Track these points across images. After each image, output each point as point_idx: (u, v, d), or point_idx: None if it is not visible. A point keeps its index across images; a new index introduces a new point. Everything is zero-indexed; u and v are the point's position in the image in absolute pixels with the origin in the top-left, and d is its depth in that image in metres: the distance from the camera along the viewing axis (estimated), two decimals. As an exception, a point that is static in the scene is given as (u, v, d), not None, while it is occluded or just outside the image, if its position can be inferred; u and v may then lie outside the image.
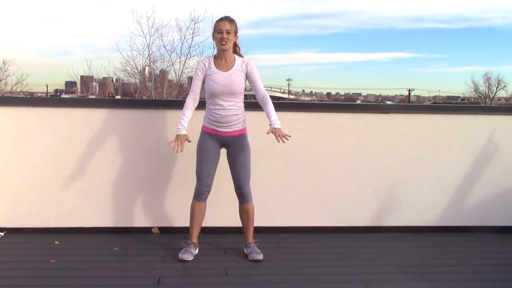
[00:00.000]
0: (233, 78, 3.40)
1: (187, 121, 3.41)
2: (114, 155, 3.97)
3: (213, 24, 3.47)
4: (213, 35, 3.48)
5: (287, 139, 3.30)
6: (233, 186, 3.52)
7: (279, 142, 3.28)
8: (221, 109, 3.40)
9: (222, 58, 3.45)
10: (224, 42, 3.38)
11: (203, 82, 3.46)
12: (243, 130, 3.50)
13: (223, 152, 3.54)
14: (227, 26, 3.39)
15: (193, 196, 3.51)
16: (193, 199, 3.51)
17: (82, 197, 3.95)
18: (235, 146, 3.47)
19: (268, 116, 3.38)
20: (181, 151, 3.33)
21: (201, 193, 3.47)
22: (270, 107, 3.39)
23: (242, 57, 3.55)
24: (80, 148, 3.93)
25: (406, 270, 3.38)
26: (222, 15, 3.47)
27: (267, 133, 3.30)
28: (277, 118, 3.34)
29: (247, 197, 3.51)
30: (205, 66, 3.45)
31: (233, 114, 3.42)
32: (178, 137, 3.35)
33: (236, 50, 3.54)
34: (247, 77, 3.46)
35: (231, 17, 3.47)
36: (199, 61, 3.65)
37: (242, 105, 3.48)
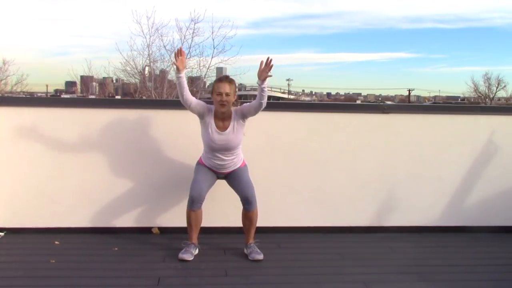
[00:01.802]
0: (230, 137, 3.43)
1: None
2: (114, 155, 3.97)
3: (213, 83, 3.47)
4: (212, 94, 3.49)
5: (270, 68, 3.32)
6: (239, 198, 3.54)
7: (262, 66, 3.31)
8: (219, 160, 3.48)
9: (219, 119, 3.45)
10: (224, 105, 3.39)
11: (199, 109, 3.44)
12: (241, 164, 3.58)
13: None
14: (226, 89, 3.39)
15: (187, 205, 3.49)
16: (187, 208, 3.49)
17: (82, 197, 3.95)
18: (234, 173, 3.54)
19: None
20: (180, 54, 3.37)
21: (193, 204, 3.46)
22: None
23: (238, 106, 3.52)
24: (80, 148, 3.93)
25: (406, 270, 3.38)
26: (222, 76, 3.50)
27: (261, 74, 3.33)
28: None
29: (253, 204, 3.50)
30: (206, 111, 3.45)
31: (231, 160, 3.50)
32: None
33: (234, 103, 3.51)
34: (246, 114, 3.46)
35: (231, 77, 3.50)
36: (204, 105, 3.50)
37: (240, 151, 3.55)
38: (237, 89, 3.54)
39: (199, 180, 3.47)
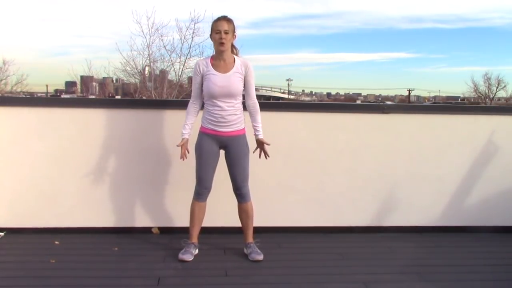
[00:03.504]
0: (231, 79, 3.37)
1: (189, 129, 3.48)
2: (114, 155, 3.97)
3: (211, 24, 3.44)
4: (211, 36, 3.45)
5: (268, 155, 3.51)
6: (232, 186, 3.52)
7: (260, 157, 3.50)
8: (220, 110, 3.38)
9: (220, 59, 3.41)
10: (223, 43, 3.35)
11: (202, 84, 3.44)
12: (242, 130, 3.49)
13: (222, 152, 3.54)
14: (225, 26, 3.36)
15: (193, 197, 3.51)
16: (193, 200, 3.50)
17: (82, 197, 3.95)
18: (233, 146, 3.46)
19: (255, 125, 3.47)
20: (183, 159, 3.48)
21: (200, 194, 3.47)
22: (259, 118, 3.47)
23: (239, 57, 3.51)
24: (80, 148, 3.93)
25: (406, 270, 3.38)
26: (220, 15, 3.45)
27: (255, 152, 3.50)
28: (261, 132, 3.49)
29: (245, 197, 3.50)
30: (202, 68, 3.43)
31: (232, 114, 3.41)
32: (182, 140, 3.46)
33: (233, 50, 3.50)
34: (247, 78, 3.44)
35: (229, 16, 3.45)
36: (196, 63, 3.58)
37: (241, 105, 3.48)
38: (235, 29, 3.47)
39: (203, 168, 3.44)
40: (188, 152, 3.49)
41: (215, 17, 3.44)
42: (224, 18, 3.41)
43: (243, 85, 3.44)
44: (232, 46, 3.49)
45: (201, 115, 3.51)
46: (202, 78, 3.43)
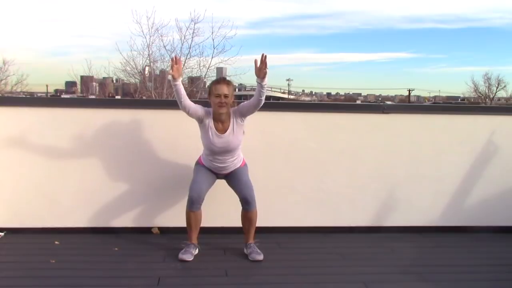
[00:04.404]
0: (230, 139, 3.42)
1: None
2: (114, 155, 3.97)
3: (210, 85, 3.44)
4: (209, 96, 3.46)
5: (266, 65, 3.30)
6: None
7: (258, 64, 3.30)
8: (220, 162, 3.48)
9: (218, 121, 3.43)
10: (223, 106, 3.37)
11: (198, 114, 3.41)
12: (241, 164, 3.58)
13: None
14: (225, 90, 3.36)
15: (186, 205, 3.48)
16: (186, 209, 3.48)
17: (82, 197, 3.95)
18: (233, 174, 3.54)
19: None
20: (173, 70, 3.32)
21: (194, 203, 3.44)
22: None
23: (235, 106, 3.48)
24: (80, 148, 3.93)
25: (406, 270, 3.38)
26: (219, 78, 3.50)
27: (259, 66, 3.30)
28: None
29: (252, 204, 3.49)
30: (207, 114, 3.42)
31: (232, 162, 3.50)
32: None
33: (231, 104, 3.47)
34: (245, 113, 3.43)
35: (228, 79, 3.48)
36: (205, 108, 3.46)
37: (240, 152, 3.54)
38: (234, 91, 3.52)
39: (198, 181, 3.46)
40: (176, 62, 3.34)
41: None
42: (224, 81, 3.43)
43: (242, 134, 3.47)
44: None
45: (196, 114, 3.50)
46: (203, 119, 3.42)
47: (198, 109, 3.42)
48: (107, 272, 3.21)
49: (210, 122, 3.42)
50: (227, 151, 3.43)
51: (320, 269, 3.35)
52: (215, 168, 3.50)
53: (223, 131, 3.42)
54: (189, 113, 3.40)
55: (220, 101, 3.35)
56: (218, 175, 3.56)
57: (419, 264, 3.50)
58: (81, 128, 3.93)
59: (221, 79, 3.48)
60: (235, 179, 3.52)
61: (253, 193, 3.48)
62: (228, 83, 3.43)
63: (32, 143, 3.89)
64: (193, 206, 3.42)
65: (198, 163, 3.58)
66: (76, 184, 3.94)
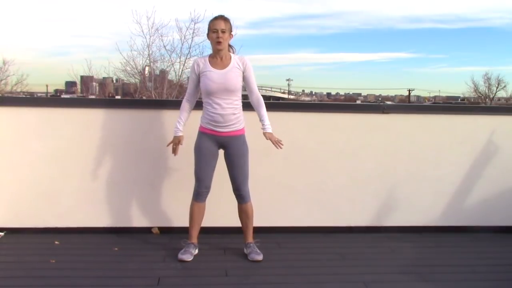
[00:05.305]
0: (228, 75, 3.37)
1: (183, 124, 3.50)
2: (114, 155, 3.97)
3: (208, 23, 3.45)
4: (208, 35, 3.46)
5: (282, 144, 3.42)
6: (231, 186, 3.52)
7: (277, 148, 3.41)
8: (218, 108, 3.37)
9: (217, 57, 3.43)
10: (220, 41, 3.36)
11: (199, 82, 3.45)
12: (241, 130, 3.48)
13: (221, 151, 3.54)
14: (222, 25, 3.37)
15: (192, 197, 3.51)
16: (192, 200, 3.50)
17: (82, 197, 3.95)
18: (233, 147, 3.45)
19: (261, 120, 3.45)
20: (174, 154, 3.52)
21: (200, 194, 3.47)
22: (264, 111, 3.46)
23: (235, 55, 3.51)
24: (80, 148, 3.93)
25: (406, 270, 3.38)
26: (217, 15, 3.45)
27: (266, 139, 3.41)
28: (269, 124, 3.44)
29: (245, 198, 3.50)
30: (199, 66, 3.44)
31: (231, 113, 3.39)
32: (174, 139, 3.51)
33: (230, 49, 3.50)
34: (243, 74, 3.44)
35: (226, 15, 3.45)
36: (194, 60, 3.60)
37: (240, 103, 3.46)
38: (232, 28, 3.49)
39: (202, 166, 3.44)
40: (181, 144, 3.52)
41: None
42: (221, 17, 3.42)
43: (241, 81, 3.45)
44: (229, 45, 3.50)
45: (197, 114, 3.50)
46: (199, 76, 3.43)
47: (195, 83, 3.46)
48: (107, 272, 3.21)
49: (207, 64, 3.41)
50: (226, 90, 3.35)
51: (320, 269, 3.35)
52: (215, 124, 3.39)
53: (223, 66, 3.40)
54: (199, 94, 3.49)
55: (218, 36, 3.35)
56: (219, 139, 3.43)
57: (419, 264, 3.50)
58: (81, 128, 3.93)
59: (218, 15, 3.45)
60: (234, 158, 3.45)
61: (246, 184, 3.46)
62: (225, 19, 3.43)
63: (32, 143, 3.89)
64: (200, 192, 3.46)
65: (199, 132, 3.49)
66: (76, 184, 3.94)
